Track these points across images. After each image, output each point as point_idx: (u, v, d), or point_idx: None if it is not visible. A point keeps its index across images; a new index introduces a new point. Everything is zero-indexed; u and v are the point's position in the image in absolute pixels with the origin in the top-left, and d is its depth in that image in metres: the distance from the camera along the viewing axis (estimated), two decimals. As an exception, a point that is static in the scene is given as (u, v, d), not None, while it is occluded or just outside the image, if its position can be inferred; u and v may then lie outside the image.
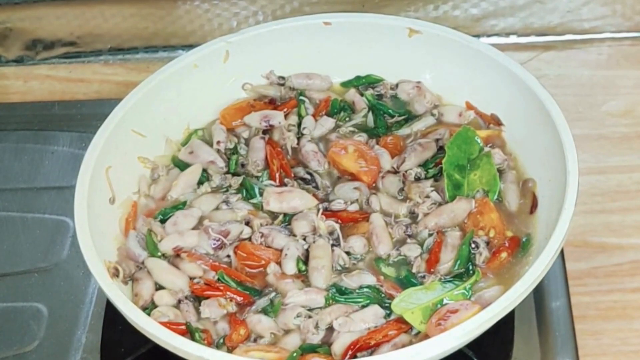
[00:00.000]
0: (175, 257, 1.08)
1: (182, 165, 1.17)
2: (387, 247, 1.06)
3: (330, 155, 1.15)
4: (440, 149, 1.15)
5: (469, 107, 1.20)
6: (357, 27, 1.24)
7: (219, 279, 1.05)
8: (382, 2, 1.45)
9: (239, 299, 1.04)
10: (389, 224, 1.08)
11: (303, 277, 1.05)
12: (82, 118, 1.38)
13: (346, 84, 1.27)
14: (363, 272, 1.04)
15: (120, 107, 1.15)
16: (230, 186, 1.15)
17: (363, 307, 1.01)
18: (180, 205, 1.12)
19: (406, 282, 1.03)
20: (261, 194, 1.12)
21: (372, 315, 1.00)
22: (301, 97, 1.24)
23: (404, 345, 0.96)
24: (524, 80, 1.13)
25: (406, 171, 1.13)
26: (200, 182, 1.15)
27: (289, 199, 1.10)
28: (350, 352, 0.97)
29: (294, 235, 1.07)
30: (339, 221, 1.08)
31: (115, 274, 1.04)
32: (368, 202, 1.11)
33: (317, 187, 1.13)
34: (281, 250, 1.06)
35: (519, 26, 1.47)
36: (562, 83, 1.39)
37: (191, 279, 1.06)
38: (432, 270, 1.04)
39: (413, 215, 1.09)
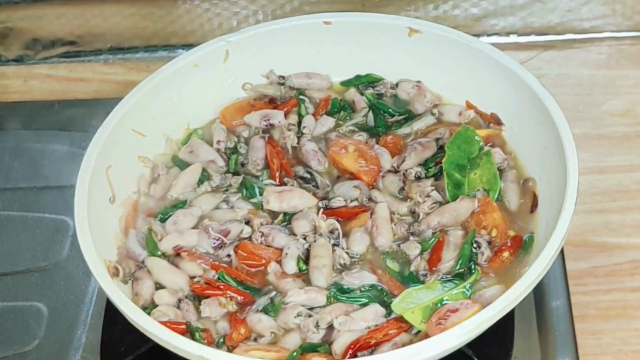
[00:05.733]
0: (175, 257, 1.08)
1: (182, 165, 1.18)
2: (386, 240, 1.06)
3: (331, 155, 1.15)
4: (441, 148, 1.15)
5: (469, 106, 1.21)
6: (357, 26, 1.24)
7: (219, 278, 1.05)
8: (382, 2, 1.45)
9: (239, 298, 1.04)
10: (392, 221, 1.08)
11: (303, 276, 1.05)
12: (82, 118, 1.38)
13: (346, 83, 1.27)
14: (364, 270, 1.04)
15: (120, 107, 1.15)
16: (230, 185, 1.15)
17: (363, 305, 1.01)
18: (180, 205, 1.12)
19: (409, 279, 1.03)
20: (261, 193, 1.12)
21: (373, 314, 1.00)
22: (301, 97, 1.24)
23: (404, 345, 0.96)
24: (524, 79, 1.13)
25: (406, 170, 1.13)
26: (200, 181, 1.15)
27: (289, 198, 1.10)
28: (350, 351, 0.97)
29: (294, 235, 1.08)
30: (339, 218, 1.08)
31: (115, 273, 1.04)
32: (369, 199, 1.11)
33: (317, 186, 1.13)
34: (281, 250, 1.06)
35: (519, 25, 1.47)
36: (562, 82, 1.39)
37: (191, 278, 1.06)
38: (433, 268, 1.04)
39: (414, 215, 1.09)
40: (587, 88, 1.39)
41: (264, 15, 1.47)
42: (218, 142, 1.19)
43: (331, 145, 1.16)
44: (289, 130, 1.19)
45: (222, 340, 1.01)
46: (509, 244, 1.05)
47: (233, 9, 1.47)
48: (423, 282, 1.03)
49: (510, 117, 1.17)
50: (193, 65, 1.22)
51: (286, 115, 1.22)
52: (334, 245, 1.06)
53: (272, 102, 1.24)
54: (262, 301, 1.03)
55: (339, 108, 1.23)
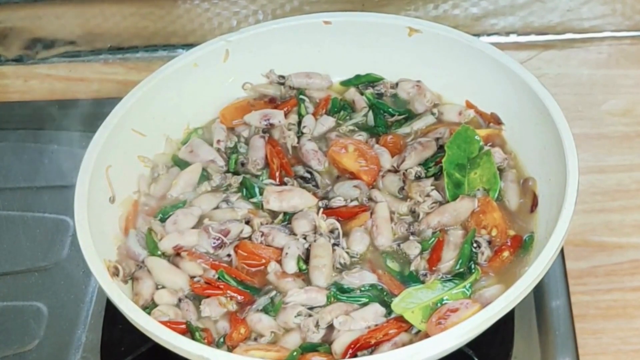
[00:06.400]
0: (175, 256, 1.08)
1: (182, 164, 1.18)
2: (386, 240, 1.06)
3: (330, 154, 1.15)
4: (441, 147, 1.15)
5: (469, 106, 1.21)
6: (357, 26, 1.24)
7: (219, 278, 1.05)
8: (382, 1, 1.45)
9: (239, 297, 1.04)
10: (392, 220, 1.08)
11: (304, 276, 1.05)
12: (82, 117, 1.38)
13: (346, 83, 1.27)
14: (364, 270, 1.04)
15: (120, 106, 1.15)
16: (230, 185, 1.15)
17: (363, 305, 1.01)
18: (180, 204, 1.12)
19: (409, 279, 1.03)
20: (261, 193, 1.12)
21: (373, 314, 1.00)
22: (301, 96, 1.24)
23: (404, 344, 0.96)
24: (524, 79, 1.13)
25: (406, 170, 1.13)
26: (200, 181, 1.15)
27: (289, 198, 1.10)
28: (350, 351, 0.97)
29: (294, 234, 1.07)
30: (339, 218, 1.08)
31: (115, 273, 1.04)
32: (369, 199, 1.11)
33: (317, 186, 1.13)
34: (281, 249, 1.06)
35: (519, 25, 1.47)
36: (562, 82, 1.39)
37: (191, 277, 1.06)
38: (433, 268, 1.04)
39: (414, 214, 1.09)
40: (587, 88, 1.38)
41: (264, 15, 1.47)
42: (218, 141, 1.19)
43: (331, 145, 1.16)
44: (289, 130, 1.19)
45: (222, 340, 1.01)
46: (509, 244, 1.05)
47: (233, 9, 1.47)
48: (423, 282, 1.03)
49: (510, 117, 1.17)
50: (193, 65, 1.22)
51: (286, 115, 1.22)
52: (334, 245, 1.06)
53: (272, 102, 1.24)
54: (262, 301, 1.03)
55: (339, 108, 1.23)
